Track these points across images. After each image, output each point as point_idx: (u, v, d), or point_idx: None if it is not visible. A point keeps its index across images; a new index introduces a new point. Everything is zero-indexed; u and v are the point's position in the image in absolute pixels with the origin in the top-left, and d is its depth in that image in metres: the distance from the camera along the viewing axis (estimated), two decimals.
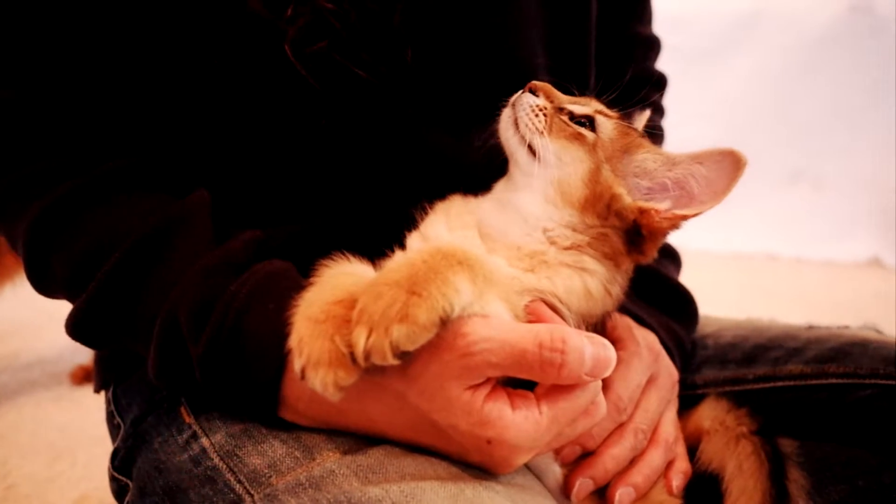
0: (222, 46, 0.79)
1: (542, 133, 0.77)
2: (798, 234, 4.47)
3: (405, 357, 0.55)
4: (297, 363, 0.58)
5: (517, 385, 0.63)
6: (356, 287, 0.61)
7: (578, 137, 0.78)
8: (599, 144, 0.79)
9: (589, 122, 0.80)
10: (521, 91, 0.81)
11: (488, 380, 0.60)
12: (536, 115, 0.78)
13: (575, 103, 0.82)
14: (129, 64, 0.78)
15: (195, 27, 0.78)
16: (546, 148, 0.76)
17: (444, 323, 0.56)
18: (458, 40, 0.85)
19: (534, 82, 0.81)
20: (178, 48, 0.79)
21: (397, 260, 0.61)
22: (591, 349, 0.60)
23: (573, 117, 0.80)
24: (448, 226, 0.78)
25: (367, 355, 0.54)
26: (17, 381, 2.20)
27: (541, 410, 0.61)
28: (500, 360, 0.58)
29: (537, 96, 0.80)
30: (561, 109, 0.80)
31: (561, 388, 0.62)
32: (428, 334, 0.55)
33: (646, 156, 0.79)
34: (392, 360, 0.54)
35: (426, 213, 0.80)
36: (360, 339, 0.54)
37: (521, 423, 0.60)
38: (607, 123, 0.81)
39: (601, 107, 0.83)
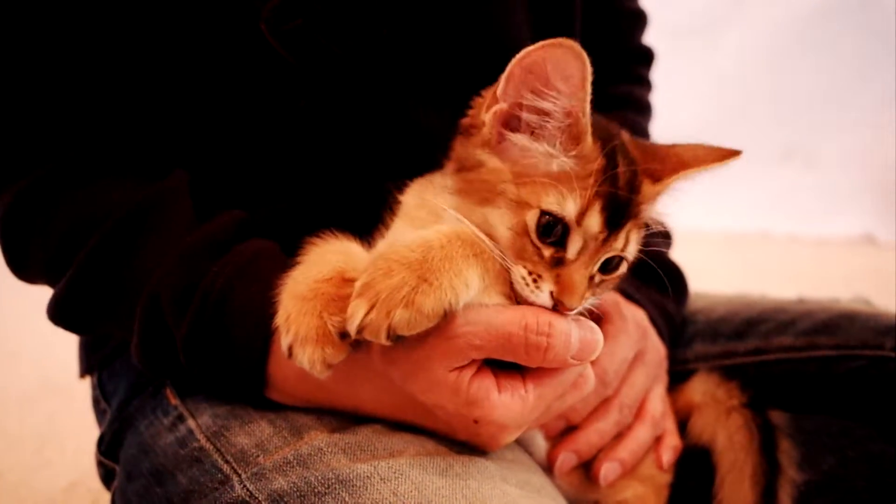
0: (199, 26, 0.77)
1: None
2: (790, 211, 4.49)
3: (398, 340, 0.55)
4: (284, 340, 0.58)
5: (503, 363, 0.63)
6: (345, 265, 0.60)
7: None
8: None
9: None
10: None
11: (474, 361, 0.59)
12: None
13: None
14: (103, 46, 0.76)
15: (170, 7, 0.76)
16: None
17: (446, 315, 0.55)
18: (439, 14, 0.84)
19: None
20: (153, 29, 0.77)
21: (413, 238, 0.58)
22: (577, 333, 0.59)
23: None
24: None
25: (361, 330, 0.54)
26: (2, 370, 2.19)
27: (526, 389, 0.60)
28: (485, 343, 0.57)
29: None
30: None
31: (547, 368, 0.61)
32: (428, 323, 0.54)
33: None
34: (384, 341, 0.54)
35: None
36: (359, 312, 0.53)
37: (508, 403, 0.59)
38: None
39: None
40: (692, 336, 1.01)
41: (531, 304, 0.60)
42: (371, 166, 0.83)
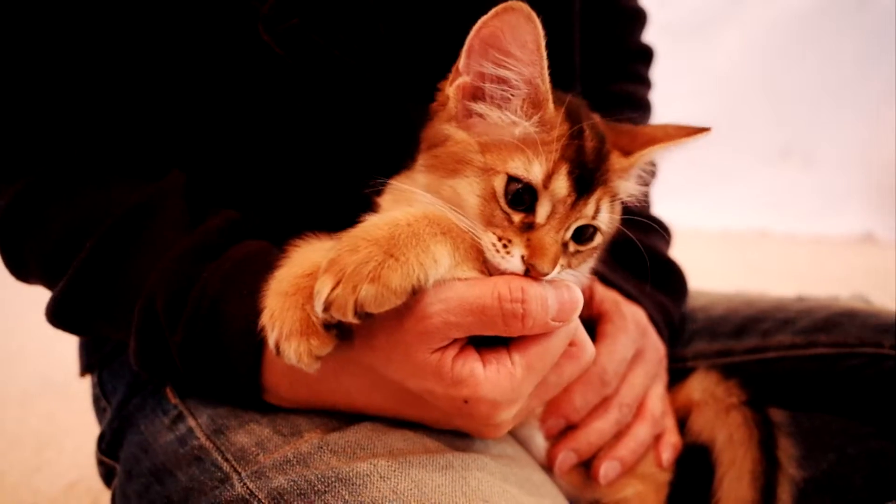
0: (197, 26, 0.77)
1: None
2: (789, 209, 4.47)
3: (366, 318, 0.54)
4: (270, 338, 0.57)
5: (493, 342, 0.61)
6: (323, 259, 0.60)
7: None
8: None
9: None
10: None
11: (456, 341, 0.59)
12: None
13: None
14: (100, 47, 0.76)
15: (168, 7, 0.76)
16: None
17: (415, 292, 0.54)
18: (435, 10, 0.84)
19: None
20: (150, 29, 0.77)
21: (381, 217, 0.59)
22: (553, 293, 0.58)
23: None
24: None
25: (328, 306, 0.53)
26: (2, 369, 2.18)
27: (512, 360, 0.59)
28: (460, 319, 0.56)
29: None
30: None
31: (531, 336, 0.60)
32: (396, 300, 0.54)
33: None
34: (351, 318, 0.53)
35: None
36: (325, 289, 0.53)
37: (494, 377, 0.58)
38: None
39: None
40: (692, 334, 1.01)
41: (503, 271, 0.60)
42: (368, 165, 0.83)
